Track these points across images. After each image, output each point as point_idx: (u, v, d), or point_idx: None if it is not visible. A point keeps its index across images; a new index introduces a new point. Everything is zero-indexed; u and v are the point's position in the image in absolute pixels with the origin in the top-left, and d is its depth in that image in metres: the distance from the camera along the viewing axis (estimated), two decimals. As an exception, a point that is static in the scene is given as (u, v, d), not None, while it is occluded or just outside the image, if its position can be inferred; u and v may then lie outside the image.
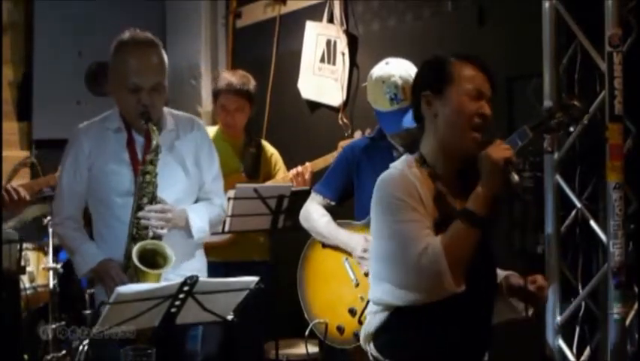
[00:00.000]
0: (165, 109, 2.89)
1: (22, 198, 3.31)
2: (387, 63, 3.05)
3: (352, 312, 2.98)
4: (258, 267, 3.78)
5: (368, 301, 2.90)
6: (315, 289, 3.17)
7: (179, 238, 2.81)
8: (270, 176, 3.94)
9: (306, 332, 3.10)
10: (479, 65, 2.13)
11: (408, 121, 2.87)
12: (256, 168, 3.92)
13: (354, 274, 3.03)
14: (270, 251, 3.89)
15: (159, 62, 2.77)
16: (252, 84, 3.90)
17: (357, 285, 3.01)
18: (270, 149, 4.05)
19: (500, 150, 2.01)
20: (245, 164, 3.90)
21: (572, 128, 3.05)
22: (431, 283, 1.98)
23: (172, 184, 2.81)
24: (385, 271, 2.10)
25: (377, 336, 2.18)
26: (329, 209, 3.18)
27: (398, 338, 2.13)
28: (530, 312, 2.22)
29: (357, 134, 3.82)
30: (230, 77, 3.88)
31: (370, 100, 3.10)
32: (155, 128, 2.72)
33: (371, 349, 2.19)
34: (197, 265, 2.89)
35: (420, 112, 2.18)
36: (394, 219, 2.05)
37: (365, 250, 2.92)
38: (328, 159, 3.79)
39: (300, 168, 3.81)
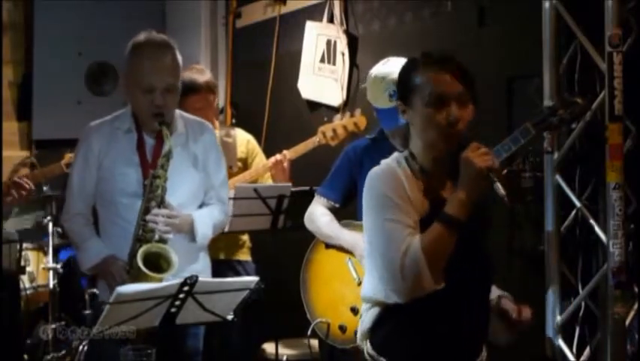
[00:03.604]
0: (176, 112, 2.91)
1: (30, 188, 3.40)
2: (385, 62, 3.07)
3: (354, 311, 2.98)
4: (234, 266, 3.77)
5: (368, 300, 2.93)
6: (318, 289, 3.17)
7: (182, 241, 2.83)
8: (246, 163, 3.89)
9: (308, 332, 3.10)
10: (445, 66, 2.05)
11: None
12: (233, 158, 3.85)
13: (356, 272, 3.03)
14: (252, 251, 3.89)
15: (173, 63, 2.80)
16: (207, 75, 3.80)
17: (359, 283, 3.01)
18: (243, 136, 3.98)
19: (482, 158, 1.95)
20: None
21: (573, 125, 3.06)
22: (411, 284, 1.99)
23: (179, 187, 2.82)
24: (373, 267, 2.11)
25: (373, 334, 2.16)
26: (333, 211, 3.18)
27: (391, 335, 2.12)
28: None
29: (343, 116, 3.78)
30: (188, 76, 3.65)
31: (370, 98, 3.10)
32: (168, 133, 2.74)
33: (367, 347, 2.18)
34: (198, 268, 2.89)
35: None
36: (380, 216, 2.05)
37: None
38: (308, 144, 3.77)
39: (278, 157, 3.76)
